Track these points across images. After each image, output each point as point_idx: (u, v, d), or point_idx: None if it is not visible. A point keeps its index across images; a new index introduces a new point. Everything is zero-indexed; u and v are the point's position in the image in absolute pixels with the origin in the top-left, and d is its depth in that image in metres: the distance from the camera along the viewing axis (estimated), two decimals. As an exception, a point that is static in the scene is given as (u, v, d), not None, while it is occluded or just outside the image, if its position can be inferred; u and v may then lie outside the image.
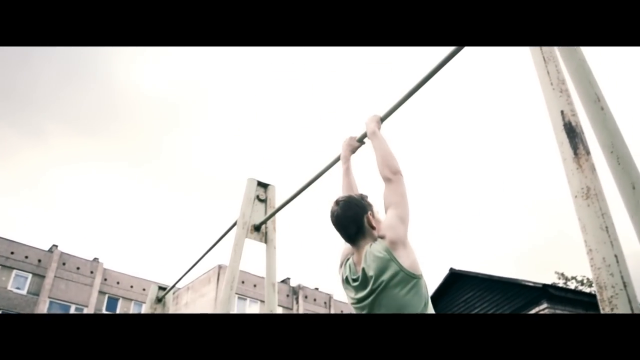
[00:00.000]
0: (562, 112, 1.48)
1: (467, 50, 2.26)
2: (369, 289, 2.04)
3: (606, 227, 1.26)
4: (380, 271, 2.02)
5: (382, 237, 2.10)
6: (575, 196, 1.33)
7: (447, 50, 2.34)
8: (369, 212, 2.20)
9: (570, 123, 1.45)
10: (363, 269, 2.09)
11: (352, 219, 2.18)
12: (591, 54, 1.93)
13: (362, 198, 2.28)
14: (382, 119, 2.64)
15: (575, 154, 1.39)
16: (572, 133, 1.43)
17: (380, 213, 2.29)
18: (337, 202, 2.24)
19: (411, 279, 2.01)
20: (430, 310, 2.09)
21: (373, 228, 2.17)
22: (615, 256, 1.23)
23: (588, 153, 1.39)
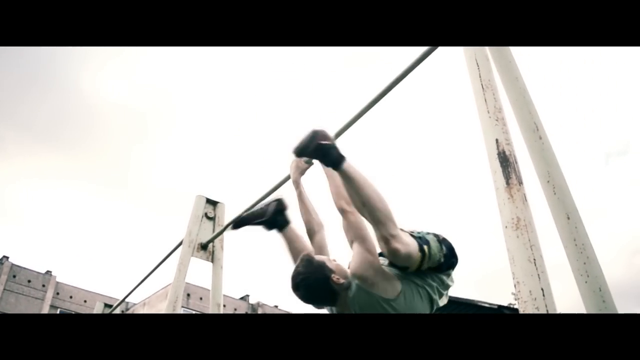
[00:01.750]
0: (496, 140, 1.47)
1: (414, 75, 2.25)
2: None
3: (534, 260, 1.24)
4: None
5: (356, 276, 2.03)
6: (506, 226, 1.31)
7: (398, 71, 2.33)
8: (331, 275, 2.07)
9: (504, 152, 1.44)
10: None
11: (322, 296, 2.10)
12: (532, 81, 1.95)
13: (312, 264, 2.11)
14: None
15: (508, 183, 1.37)
16: (506, 162, 1.41)
17: (332, 249, 2.23)
18: (297, 287, 2.08)
19: (399, 295, 2.00)
20: (434, 289, 2.11)
21: (341, 283, 2.07)
22: (542, 289, 1.21)
23: (520, 183, 1.38)
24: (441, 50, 2.14)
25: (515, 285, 1.24)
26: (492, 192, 1.43)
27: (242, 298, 32.98)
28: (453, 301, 14.18)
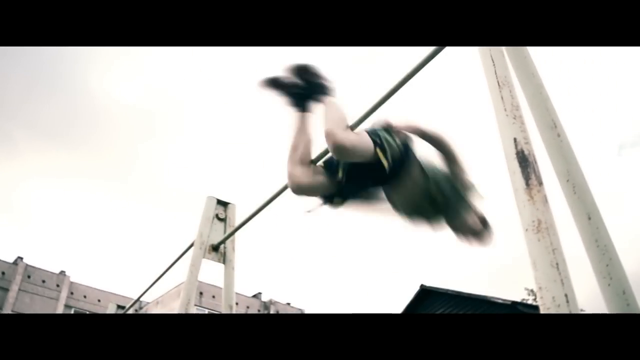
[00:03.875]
0: (515, 139, 1.41)
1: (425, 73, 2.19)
2: None
3: (557, 264, 1.19)
4: None
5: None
6: (526, 229, 1.26)
7: (405, 70, 2.26)
8: None
9: (523, 151, 1.38)
10: None
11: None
12: (548, 77, 1.89)
13: None
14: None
15: (527, 184, 1.32)
16: (525, 162, 1.36)
17: None
18: None
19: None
20: None
21: None
22: (566, 295, 1.16)
23: (540, 184, 1.33)
24: (451, 48, 2.08)
25: (538, 291, 1.19)
26: (511, 193, 1.39)
27: (254, 296, 33.06)
28: (467, 297, 14.13)
